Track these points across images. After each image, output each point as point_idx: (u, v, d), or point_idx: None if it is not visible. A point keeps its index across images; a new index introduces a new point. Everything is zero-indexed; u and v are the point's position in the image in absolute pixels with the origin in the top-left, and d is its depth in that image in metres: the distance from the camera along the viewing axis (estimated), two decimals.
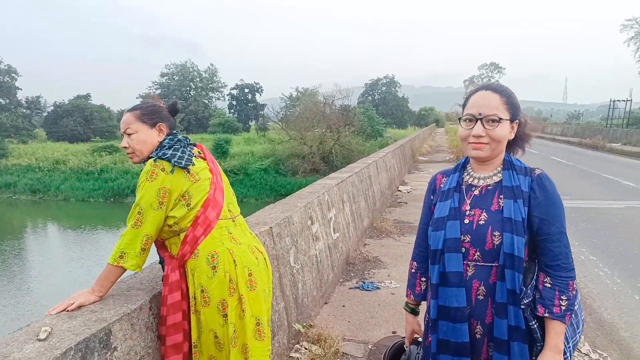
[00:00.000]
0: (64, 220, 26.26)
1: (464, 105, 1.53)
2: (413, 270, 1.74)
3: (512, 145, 1.56)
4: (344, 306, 3.89)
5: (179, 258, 1.75)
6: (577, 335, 1.52)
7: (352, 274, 4.70)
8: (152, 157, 1.75)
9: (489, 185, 1.49)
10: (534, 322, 1.41)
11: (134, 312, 1.69)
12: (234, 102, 59.81)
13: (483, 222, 1.44)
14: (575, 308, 1.46)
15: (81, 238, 21.37)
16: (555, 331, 1.39)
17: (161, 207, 1.69)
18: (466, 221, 1.47)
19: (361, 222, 6.08)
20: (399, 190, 10.24)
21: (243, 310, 1.75)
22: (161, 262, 1.88)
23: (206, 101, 59.59)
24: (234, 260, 1.75)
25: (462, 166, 1.61)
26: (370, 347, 3.16)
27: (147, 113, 1.83)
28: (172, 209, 1.73)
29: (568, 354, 1.46)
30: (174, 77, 59.67)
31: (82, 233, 22.27)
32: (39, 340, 1.39)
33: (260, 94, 61.09)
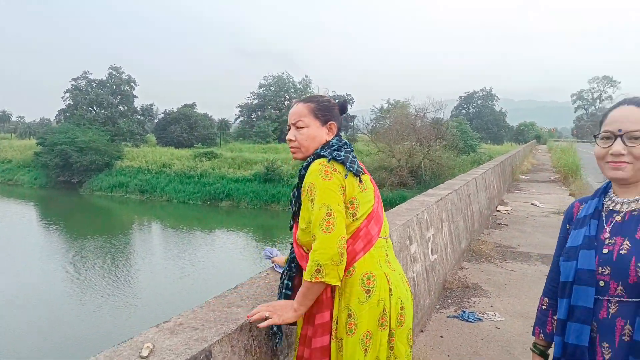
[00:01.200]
0: (165, 219, 28.60)
1: (601, 122, 1.42)
2: (544, 307, 1.58)
3: None
4: (441, 337, 3.56)
5: None
6: None
7: (450, 301, 4.32)
8: (323, 156, 1.56)
9: (634, 210, 1.33)
10: None
11: (234, 333, 1.58)
12: None
13: (625, 252, 1.27)
14: None
15: (179, 237, 23.03)
16: None
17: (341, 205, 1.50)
18: (605, 251, 1.31)
19: (459, 243, 5.64)
20: (497, 211, 9.49)
21: (391, 348, 1.52)
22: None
23: None
24: (390, 289, 1.53)
25: (603, 191, 1.46)
26: None
27: (322, 108, 1.67)
28: None
29: None
30: (271, 87, 62.45)
31: (180, 232, 23.99)
32: (141, 357, 1.33)
33: (351, 106, 61.59)
